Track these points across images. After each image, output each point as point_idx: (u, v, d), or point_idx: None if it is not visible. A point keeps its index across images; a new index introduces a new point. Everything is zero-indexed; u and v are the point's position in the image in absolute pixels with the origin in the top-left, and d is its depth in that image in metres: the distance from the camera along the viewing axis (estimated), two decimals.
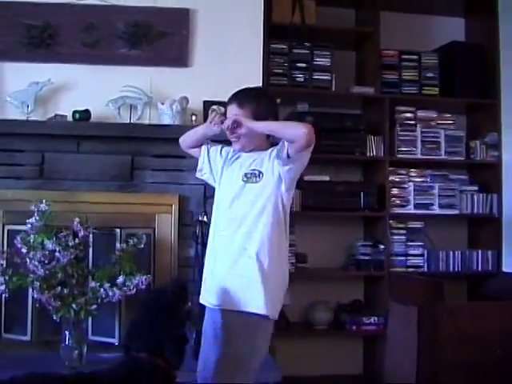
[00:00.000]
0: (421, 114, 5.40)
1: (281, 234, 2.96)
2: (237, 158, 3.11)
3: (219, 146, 3.23)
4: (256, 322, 2.86)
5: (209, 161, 3.22)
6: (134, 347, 2.68)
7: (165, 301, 2.77)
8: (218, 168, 3.17)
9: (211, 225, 3.12)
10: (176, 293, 2.85)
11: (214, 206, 3.13)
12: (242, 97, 3.06)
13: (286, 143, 2.84)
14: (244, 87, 3.13)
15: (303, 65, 5.21)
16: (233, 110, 3.04)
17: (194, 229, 4.23)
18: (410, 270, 5.27)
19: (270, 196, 2.92)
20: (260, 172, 2.96)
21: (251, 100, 3.03)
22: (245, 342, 2.85)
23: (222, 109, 4.36)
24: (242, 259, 2.90)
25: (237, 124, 2.95)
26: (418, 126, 5.36)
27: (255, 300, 2.85)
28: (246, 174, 2.99)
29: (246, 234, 2.91)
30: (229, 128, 2.97)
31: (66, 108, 4.32)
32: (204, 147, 3.23)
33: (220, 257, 2.99)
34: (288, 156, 2.84)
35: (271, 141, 3.08)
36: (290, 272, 4.92)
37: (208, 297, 3.02)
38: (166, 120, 4.29)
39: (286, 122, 2.95)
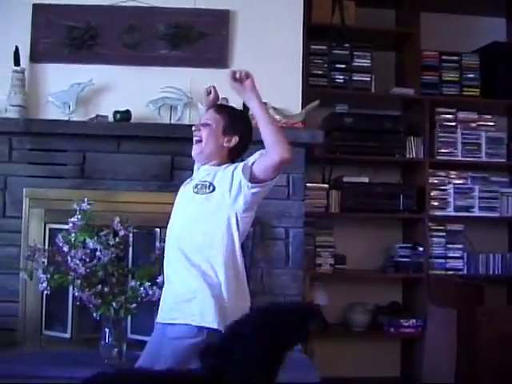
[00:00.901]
0: (461, 115, 5.35)
1: (235, 255, 2.87)
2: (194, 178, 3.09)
3: None
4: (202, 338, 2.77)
5: None
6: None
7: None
8: None
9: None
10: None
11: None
12: (223, 107, 3.16)
13: (251, 161, 2.80)
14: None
15: (343, 66, 5.20)
16: (208, 114, 3.07)
17: None
18: (450, 272, 5.23)
19: (220, 211, 2.85)
20: (211, 184, 2.89)
21: (228, 112, 3.07)
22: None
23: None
24: (195, 276, 2.83)
25: (246, 76, 2.88)
26: (458, 127, 5.32)
27: (208, 315, 2.78)
28: (196, 185, 2.94)
29: (198, 251, 2.84)
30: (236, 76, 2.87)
31: (106, 108, 4.36)
32: None
33: (173, 273, 2.94)
34: (255, 178, 2.79)
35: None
36: (328, 273, 4.99)
37: (161, 314, 2.97)
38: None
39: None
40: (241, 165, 2.85)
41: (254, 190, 2.80)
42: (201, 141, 3.02)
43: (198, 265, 2.83)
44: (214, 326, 2.76)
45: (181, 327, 2.82)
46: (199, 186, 2.92)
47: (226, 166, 2.95)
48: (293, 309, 2.44)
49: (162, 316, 2.95)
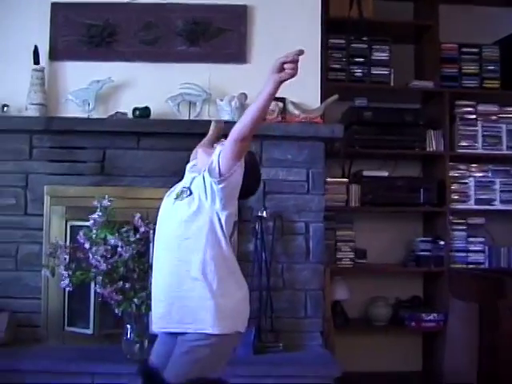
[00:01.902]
0: (481, 107, 5.30)
1: (224, 253, 2.85)
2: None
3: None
4: (208, 342, 2.76)
5: None
6: None
7: None
8: None
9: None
10: None
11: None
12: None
13: (216, 160, 2.77)
14: None
15: (361, 59, 5.18)
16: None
17: (253, 224, 4.27)
18: (471, 266, 5.19)
19: (200, 214, 2.82)
20: (189, 189, 2.88)
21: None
22: (196, 361, 2.77)
23: (281, 104, 4.41)
24: (186, 282, 2.80)
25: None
26: (478, 120, 5.27)
27: (206, 320, 2.76)
28: (178, 192, 2.92)
29: (186, 256, 2.81)
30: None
31: (126, 105, 4.39)
32: None
33: (162, 280, 2.89)
34: (220, 173, 2.76)
35: None
36: (348, 267, 4.98)
37: (159, 322, 2.91)
38: (225, 116, 4.31)
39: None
40: (208, 166, 2.83)
41: (223, 185, 2.78)
42: None
43: (186, 272, 2.80)
44: (215, 331, 2.75)
45: (186, 337, 2.80)
46: (179, 193, 2.91)
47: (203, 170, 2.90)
48: None
49: (162, 325, 2.90)
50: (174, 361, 2.79)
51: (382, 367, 5.12)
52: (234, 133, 2.72)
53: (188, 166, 3.20)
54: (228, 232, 2.88)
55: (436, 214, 5.24)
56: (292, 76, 2.62)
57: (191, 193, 2.86)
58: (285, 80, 2.63)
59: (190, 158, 3.31)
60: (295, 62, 2.62)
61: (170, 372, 2.78)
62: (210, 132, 3.50)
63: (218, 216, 2.82)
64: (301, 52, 2.62)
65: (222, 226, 2.84)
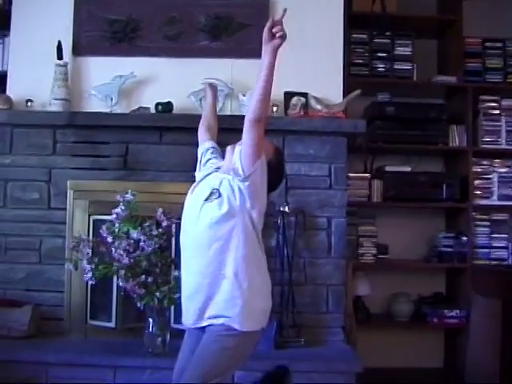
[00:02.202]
0: (505, 102, 5.25)
1: (255, 251, 2.91)
2: (208, 175, 3.12)
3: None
4: (235, 334, 2.82)
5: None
6: None
7: None
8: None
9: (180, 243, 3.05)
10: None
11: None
12: None
13: (238, 160, 2.84)
14: None
15: (384, 54, 5.16)
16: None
17: (276, 219, 4.27)
18: (494, 262, 5.15)
19: (232, 217, 2.84)
20: (218, 191, 2.90)
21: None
22: (224, 349, 2.83)
23: (303, 99, 4.40)
24: (218, 281, 2.84)
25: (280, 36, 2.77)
26: (502, 115, 5.22)
27: (234, 317, 2.81)
28: (207, 194, 2.92)
29: (217, 256, 2.84)
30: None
31: (148, 100, 4.41)
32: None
33: (193, 280, 2.92)
34: (244, 172, 2.82)
35: None
36: (370, 263, 4.97)
37: (191, 319, 2.95)
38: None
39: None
40: (234, 167, 2.89)
41: (248, 182, 2.83)
42: None
43: (218, 272, 2.85)
44: (243, 329, 2.81)
45: (215, 327, 2.86)
46: (209, 195, 2.92)
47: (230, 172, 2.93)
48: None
49: (194, 321, 2.95)
50: (201, 349, 2.84)
51: (404, 363, 5.11)
52: (250, 113, 2.79)
53: (213, 163, 3.19)
54: (259, 229, 2.93)
55: (459, 209, 5.21)
56: (283, 38, 2.72)
57: (220, 195, 2.88)
58: (279, 45, 2.74)
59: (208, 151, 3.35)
60: (281, 23, 2.72)
61: (197, 360, 2.84)
62: (208, 96, 3.63)
63: (249, 214, 2.87)
64: (284, 11, 2.74)
65: (253, 225, 2.89)
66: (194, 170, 4.30)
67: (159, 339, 3.93)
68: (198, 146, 4.23)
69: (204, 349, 2.84)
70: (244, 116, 4.22)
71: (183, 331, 3.77)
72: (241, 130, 4.25)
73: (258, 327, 2.89)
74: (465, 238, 5.09)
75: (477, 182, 5.16)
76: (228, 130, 4.28)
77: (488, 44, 5.26)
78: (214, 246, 2.84)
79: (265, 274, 2.98)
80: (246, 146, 2.81)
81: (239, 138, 4.30)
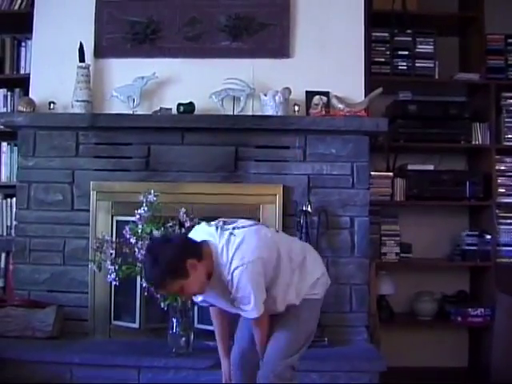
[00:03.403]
0: None
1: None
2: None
3: None
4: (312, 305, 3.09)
5: None
6: None
7: None
8: None
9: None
10: None
11: None
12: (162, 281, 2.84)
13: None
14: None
15: (405, 52, 5.13)
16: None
17: (298, 219, 4.27)
18: None
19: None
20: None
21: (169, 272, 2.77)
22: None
23: (325, 98, 4.39)
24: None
25: None
26: None
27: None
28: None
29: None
30: None
31: (170, 101, 4.42)
32: None
33: None
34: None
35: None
36: (393, 262, 4.95)
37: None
38: (269, 111, 4.32)
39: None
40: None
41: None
42: (193, 294, 3.02)
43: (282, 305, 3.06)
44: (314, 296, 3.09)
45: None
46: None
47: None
48: None
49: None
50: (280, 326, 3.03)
51: (428, 363, 5.08)
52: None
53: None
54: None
55: (482, 207, 5.17)
56: None
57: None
58: None
59: None
60: None
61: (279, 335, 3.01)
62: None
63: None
64: None
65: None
66: (217, 171, 4.34)
67: (183, 339, 3.95)
68: (219, 146, 4.26)
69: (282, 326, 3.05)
70: (265, 116, 4.28)
71: (207, 331, 3.80)
72: (262, 130, 4.30)
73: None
74: (488, 236, 5.05)
75: (500, 179, 5.11)
76: (250, 130, 4.32)
77: (510, 40, 5.20)
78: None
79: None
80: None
81: (262, 138, 4.34)
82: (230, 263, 2.81)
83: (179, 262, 2.74)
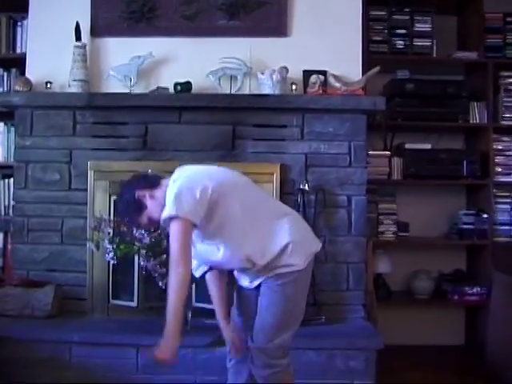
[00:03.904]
0: None
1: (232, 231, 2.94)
2: None
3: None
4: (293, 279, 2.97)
5: None
6: None
7: None
8: None
9: None
10: None
11: None
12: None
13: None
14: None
15: (403, 31, 5.11)
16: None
17: (296, 197, 4.27)
18: None
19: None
20: None
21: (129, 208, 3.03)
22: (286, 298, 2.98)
23: (322, 77, 4.38)
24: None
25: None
26: None
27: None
28: None
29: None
30: None
31: (167, 80, 4.40)
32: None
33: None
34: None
35: None
36: (391, 240, 4.96)
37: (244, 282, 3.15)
38: (266, 90, 4.31)
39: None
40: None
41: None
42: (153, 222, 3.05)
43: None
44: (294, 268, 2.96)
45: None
46: None
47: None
48: None
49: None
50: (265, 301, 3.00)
51: (425, 340, 5.11)
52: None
53: None
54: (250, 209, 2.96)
55: (479, 186, 5.18)
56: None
57: None
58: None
59: None
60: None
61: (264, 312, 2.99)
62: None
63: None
64: None
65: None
66: (215, 149, 4.34)
67: None
68: (217, 125, 4.26)
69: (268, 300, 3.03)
70: (263, 95, 4.27)
71: (205, 309, 3.82)
72: (259, 109, 4.29)
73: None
74: (485, 215, 5.07)
75: (497, 158, 5.12)
76: (247, 109, 4.32)
77: (509, 19, 5.17)
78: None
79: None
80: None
81: (259, 117, 4.34)
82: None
83: (131, 197, 2.96)
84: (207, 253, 3.01)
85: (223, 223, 2.90)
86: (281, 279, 2.94)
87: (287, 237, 2.95)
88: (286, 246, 2.93)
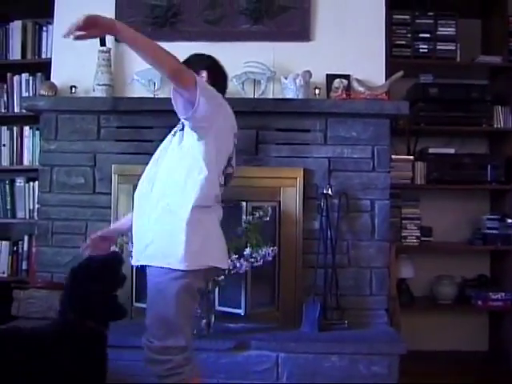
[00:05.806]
0: None
1: (203, 184, 2.90)
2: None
3: None
4: (176, 277, 2.86)
5: None
6: (64, 311, 2.89)
7: (93, 267, 2.95)
8: None
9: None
10: (106, 261, 3.04)
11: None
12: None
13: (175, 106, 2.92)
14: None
15: (427, 35, 5.10)
16: None
17: (319, 202, 4.27)
18: None
19: (184, 150, 2.98)
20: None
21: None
22: (168, 298, 2.91)
23: (345, 81, 4.37)
24: (158, 213, 2.91)
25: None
26: None
27: (174, 254, 2.84)
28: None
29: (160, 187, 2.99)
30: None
31: None
32: None
33: (138, 214, 3.06)
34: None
35: None
36: (414, 245, 4.93)
37: (135, 255, 3.12)
38: (290, 94, 4.32)
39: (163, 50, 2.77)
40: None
41: (189, 114, 2.91)
42: None
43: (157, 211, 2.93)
44: (180, 267, 2.83)
45: (152, 269, 2.98)
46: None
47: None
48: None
49: (137, 258, 3.10)
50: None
51: (448, 346, 5.08)
52: (167, 70, 2.83)
53: None
54: (214, 166, 2.98)
55: (504, 191, 5.15)
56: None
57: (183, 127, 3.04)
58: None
59: None
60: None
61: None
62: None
63: (199, 147, 2.94)
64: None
65: (203, 158, 2.92)
66: (238, 154, 4.32)
67: (204, 321, 3.97)
68: (241, 129, 4.24)
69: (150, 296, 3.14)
70: (286, 99, 4.28)
71: (228, 313, 3.83)
72: (283, 113, 4.29)
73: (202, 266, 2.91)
74: (510, 220, 5.04)
75: None
76: (270, 114, 4.32)
77: None
78: (168, 179, 3.06)
79: (204, 210, 2.94)
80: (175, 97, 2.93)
81: (282, 121, 4.35)
82: None
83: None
84: (148, 179, 3.09)
85: (195, 163, 2.91)
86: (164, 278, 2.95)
87: (193, 239, 2.88)
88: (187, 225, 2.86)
